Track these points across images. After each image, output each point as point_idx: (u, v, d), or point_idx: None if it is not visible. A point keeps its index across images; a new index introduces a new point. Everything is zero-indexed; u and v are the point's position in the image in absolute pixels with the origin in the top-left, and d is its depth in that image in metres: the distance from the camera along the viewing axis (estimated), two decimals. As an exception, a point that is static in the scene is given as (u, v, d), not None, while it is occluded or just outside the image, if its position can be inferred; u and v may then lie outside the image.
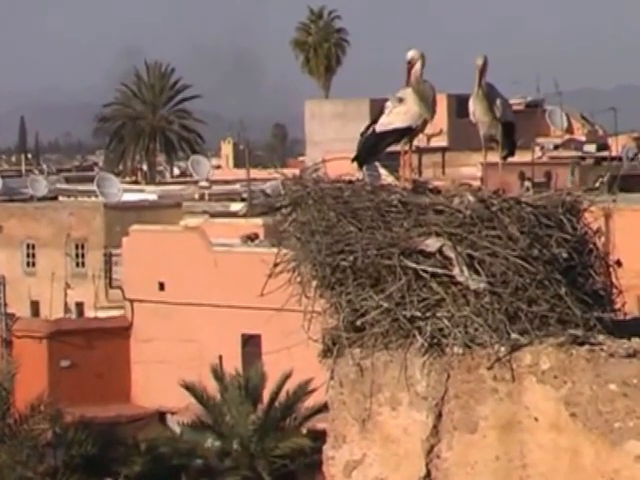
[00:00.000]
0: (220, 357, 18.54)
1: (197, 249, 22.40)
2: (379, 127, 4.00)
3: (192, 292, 21.59)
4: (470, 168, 23.16)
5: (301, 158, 34.12)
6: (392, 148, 4.26)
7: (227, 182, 32.88)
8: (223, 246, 22.68)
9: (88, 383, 22.16)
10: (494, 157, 4.50)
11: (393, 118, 3.96)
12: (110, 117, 46.34)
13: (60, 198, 31.65)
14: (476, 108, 4.09)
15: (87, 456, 16.93)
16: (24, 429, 16.43)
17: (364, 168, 4.07)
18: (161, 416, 20.74)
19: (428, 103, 3.91)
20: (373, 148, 3.95)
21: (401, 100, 3.94)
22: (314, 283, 4.13)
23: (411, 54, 3.85)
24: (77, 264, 27.78)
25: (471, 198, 3.88)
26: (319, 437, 17.59)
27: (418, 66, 3.86)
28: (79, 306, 26.89)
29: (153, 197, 30.45)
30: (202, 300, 21.28)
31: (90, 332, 23.52)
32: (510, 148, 4.20)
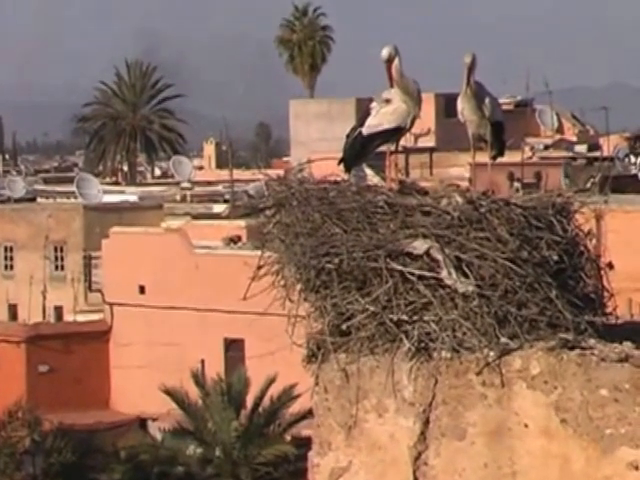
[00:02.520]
0: (202, 362, 18.27)
1: (178, 251, 22.18)
2: (366, 129, 3.91)
3: (173, 295, 21.33)
4: (458, 168, 23.05)
5: (286, 158, 33.82)
6: (379, 148, 4.16)
7: (209, 183, 32.60)
8: (205, 248, 22.47)
9: (67, 389, 21.86)
10: (483, 157, 4.42)
11: (381, 119, 3.86)
12: (90, 117, 45.83)
13: (38, 199, 31.26)
14: (464, 107, 4.01)
15: (66, 464, 16.67)
16: (1, 436, 16.14)
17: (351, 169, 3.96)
18: (141, 422, 20.47)
19: (414, 98, 3.82)
20: (361, 151, 3.85)
21: (387, 101, 3.84)
22: (298, 286, 4.03)
23: (386, 51, 3.77)
24: (56, 267, 27.42)
25: (459, 199, 3.79)
26: (304, 444, 17.27)
27: (397, 62, 3.77)
28: (58, 310, 26.54)
29: (134, 198, 30.16)
30: (183, 304, 21.03)
31: (69, 336, 23.20)
32: (499, 148, 4.12)
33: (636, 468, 3.90)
